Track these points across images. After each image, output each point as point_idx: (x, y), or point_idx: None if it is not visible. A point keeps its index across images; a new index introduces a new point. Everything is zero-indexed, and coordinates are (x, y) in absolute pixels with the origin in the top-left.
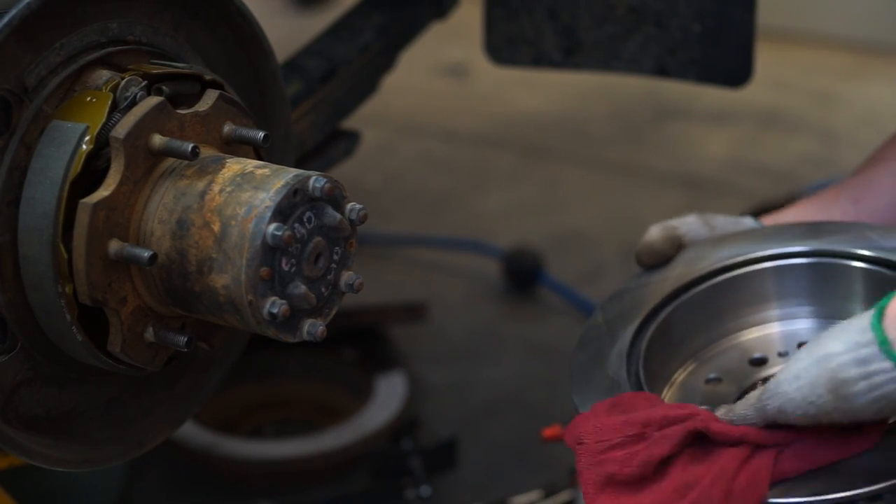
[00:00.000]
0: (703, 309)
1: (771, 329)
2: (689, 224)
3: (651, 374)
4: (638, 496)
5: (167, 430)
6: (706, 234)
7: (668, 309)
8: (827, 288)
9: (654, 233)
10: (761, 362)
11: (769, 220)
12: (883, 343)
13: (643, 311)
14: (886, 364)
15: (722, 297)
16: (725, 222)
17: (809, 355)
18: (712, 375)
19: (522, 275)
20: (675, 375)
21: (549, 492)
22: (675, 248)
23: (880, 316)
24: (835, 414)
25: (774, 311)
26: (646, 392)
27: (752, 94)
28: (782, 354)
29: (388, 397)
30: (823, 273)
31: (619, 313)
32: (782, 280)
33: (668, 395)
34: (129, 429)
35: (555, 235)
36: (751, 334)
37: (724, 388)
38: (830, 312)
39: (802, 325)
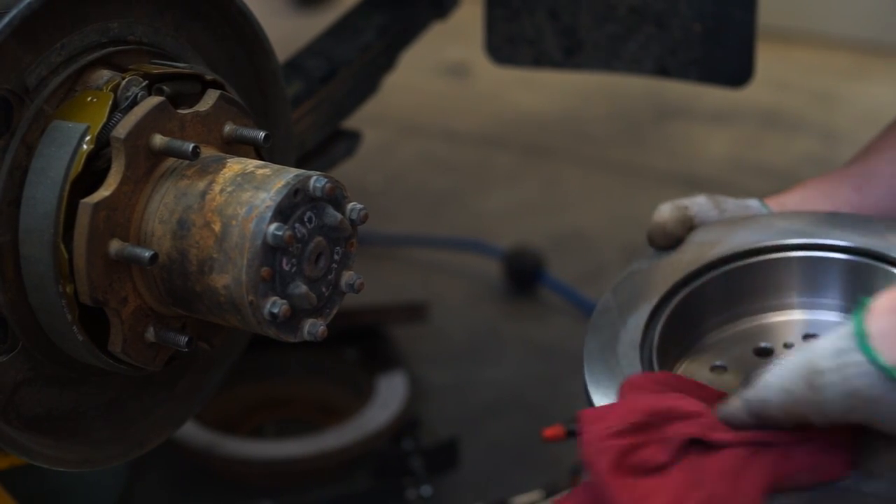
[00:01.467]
0: (715, 295)
1: (778, 318)
2: (699, 205)
3: (662, 362)
4: (650, 480)
5: (168, 430)
6: (716, 216)
7: (681, 295)
8: (824, 282)
9: (666, 213)
10: (767, 352)
11: (773, 202)
12: (859, 335)
13: (655, 295)
14: (859, 357)
15: (734, 285)
16: (735, 205)
17: (798, 352)
18: (718, 363)
19: (523, 275)
20: (682, 361)
21: (550, 492)
22: (686, 229)
23: (863, 311)
24: (806, 408)
25: (788, 300)
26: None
27: (753, 93)
28: (788, 345)
29: (388, 397)
30: (853, 270)
31: (630, 297)
32: (807, 271)
33: None
34: (129, 429)
35: (555, 235)
36: (757, 322)
37: (728, 377)
38: (821, 305)
39: (811, 316)
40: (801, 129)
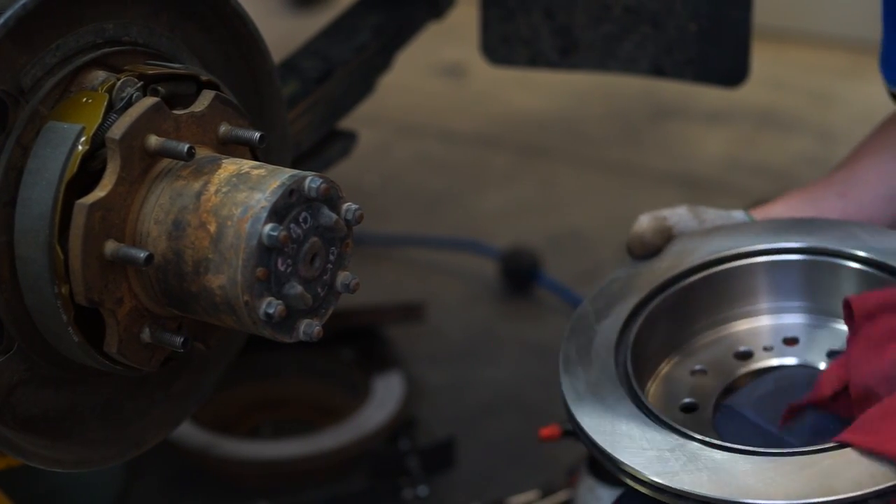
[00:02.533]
0: (691, 301)
1: (757, 323)
2: (679, 215)
3: (638, 365)
4: None
5: (164, 431)
6: (696, 226)
7: (656, 301)
8: (817, 285)
9: (644, 223)
10: (747, 356)
11: (758, 213)
12: None
13: (631, 302)
14: None
15: (710, 290)
16: (715, 215)
17: None
18: (698, 367)
19: (519, 275)
20: (661, 367)
21: (547, 491)
22: (664, 239)
23: None
24: None
25: (762, 305)
26: None
27: (749, 93)
28: (767, 348)
29: (385, 397)
30: (814, 270)
31: (607, 304)
32: (772, 275)
33: (653, 386)
34: (126, 429)
35: (552, 235)
36: (737, 328)
37: (709, 380)
38: (819, 308)
39: (789, 319)
40: (797, 129)
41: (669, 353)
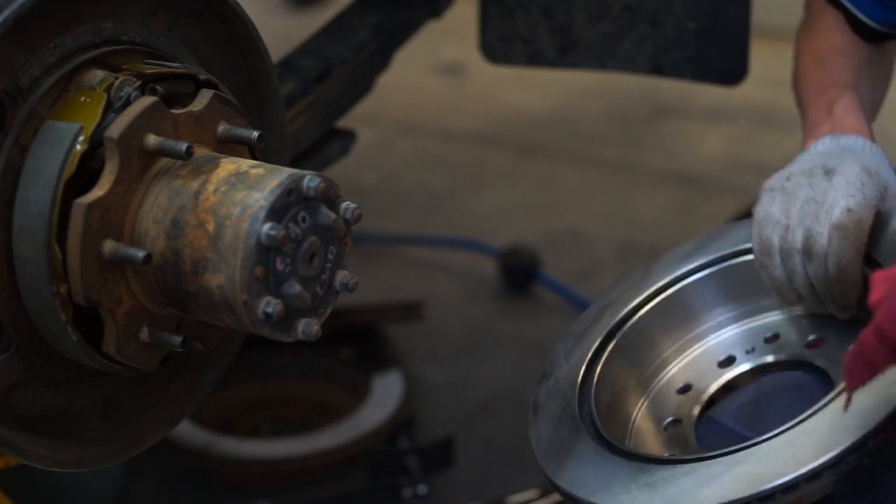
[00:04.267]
0: (652, 331)
1: (729, 332)
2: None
3: (613, 400)
4: None
5: (163, 430)
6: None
7: (615, 340)
8: (736, 289)
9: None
10: (730, 361)
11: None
12: None
13: (591, 344)
14: None
15: (666, 318)
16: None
17: None
18: (683, 384)
19: (519, 273)
20: (650, 390)
21: (546, 490)
22: None
23: None
24: None
25: (726, 315)
26: None
27: (747, 91)
28: (749, 351)
29: (384, 396)
30: (727, 277)
31: (575, 344)
32: (696, 297)
33: (639, 415)
34: (124, 429)
35: (551, 234)
36: (718, 336)
37: (693, 394)
38: (749, 310)
39: (757, 322)
40: (796, 127)
41: (654, 377)
